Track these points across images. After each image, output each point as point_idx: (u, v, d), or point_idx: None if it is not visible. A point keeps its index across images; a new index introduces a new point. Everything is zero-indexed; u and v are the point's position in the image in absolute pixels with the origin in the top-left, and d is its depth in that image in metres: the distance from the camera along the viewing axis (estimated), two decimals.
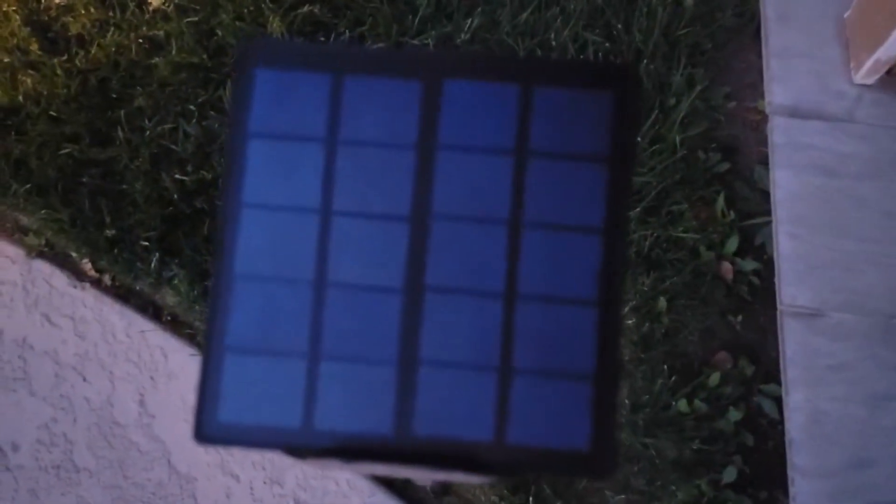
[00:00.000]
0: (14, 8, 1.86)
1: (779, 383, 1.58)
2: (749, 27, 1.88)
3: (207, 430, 0.39)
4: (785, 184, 1.72)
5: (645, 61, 1.80)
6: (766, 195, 1.73)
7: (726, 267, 1.67)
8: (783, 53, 1.84)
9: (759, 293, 1.67)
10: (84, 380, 1.56)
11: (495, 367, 0.39)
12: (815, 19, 1.86)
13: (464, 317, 0.39)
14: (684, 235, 1.63)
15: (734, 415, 1.54)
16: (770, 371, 1.61)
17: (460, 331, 0.39)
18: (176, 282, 1.62)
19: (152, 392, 1.56)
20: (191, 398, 1.53)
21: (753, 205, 1.73)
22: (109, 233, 1.64)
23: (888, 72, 1.77)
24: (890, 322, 1.59)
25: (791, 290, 1.62)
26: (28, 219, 1.70)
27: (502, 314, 0.39)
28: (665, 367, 1.56)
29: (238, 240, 0.40)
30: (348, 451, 0.39)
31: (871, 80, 1.78)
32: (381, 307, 0.39)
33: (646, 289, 1.62)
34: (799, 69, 1.82)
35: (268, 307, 0.40)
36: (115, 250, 1.64)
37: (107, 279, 1.66)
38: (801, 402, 1.52)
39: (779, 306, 1.62)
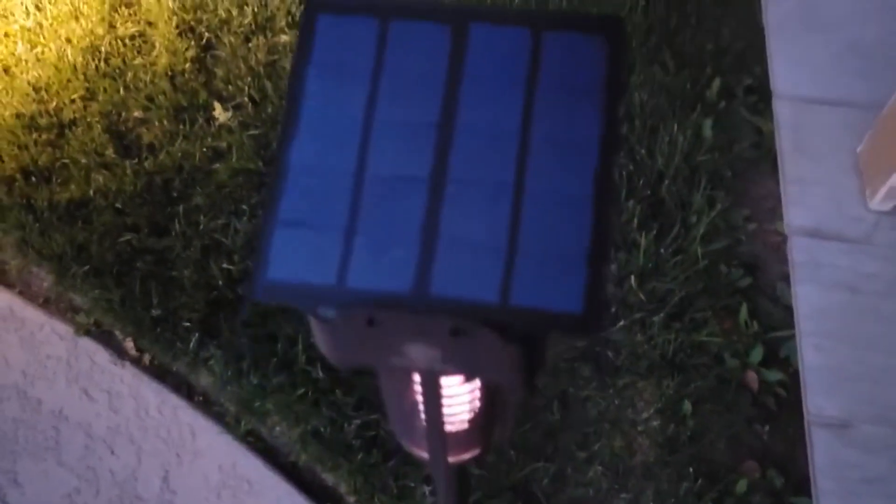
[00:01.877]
0: (97, 119, 2.08)
1: (809, 496, 1.54)
2: (766, 157, 2.00)
3: (260, 289, 0.46)
4: (808, 299, 1.76)
5: (667, 182, 1.92)
6: (789, 310, 1.77)
7: (751, 376, 1.69)
8: (800, 181, 1.94)
9: (785, 405, 1.66)
10: (112, 452, 1.59)
11: (503, 244, 0.45)
12: (829, 151, 1.98)
13: (478, 203, 0.46)
14: (708, 339, 1.66)
15: None
16: (800, 484, 1.57)
17: (475, 214, 0.46)
18: (212, 362, 1.69)
19: (177, 468, 1.57)
20: (215, 477, 1.54)
21: (777, 319, 1.76)
22: (155, 312, 1.73)
23: None
24: None
25: (818, 401, 1.62)
26: (81, 299, 1.80)
27: (511, 203, 0.46)
28: (691, 470, 1.54)
29: (293, 140, 0.49)
30: (374, 304, 0.45)
31: (887, 207, 1.86)
32: (409, 192, 0.47)
33: (671, 392, 1.63)
34: (816, 195, 1.91)
35: (315, 191, 0.48)
36: (158, 329, 1.73)
37: (146, 358, 1.74)
38: None
39: (806, 416, 1.61)
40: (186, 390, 1.69)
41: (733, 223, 1.88)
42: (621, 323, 1.73)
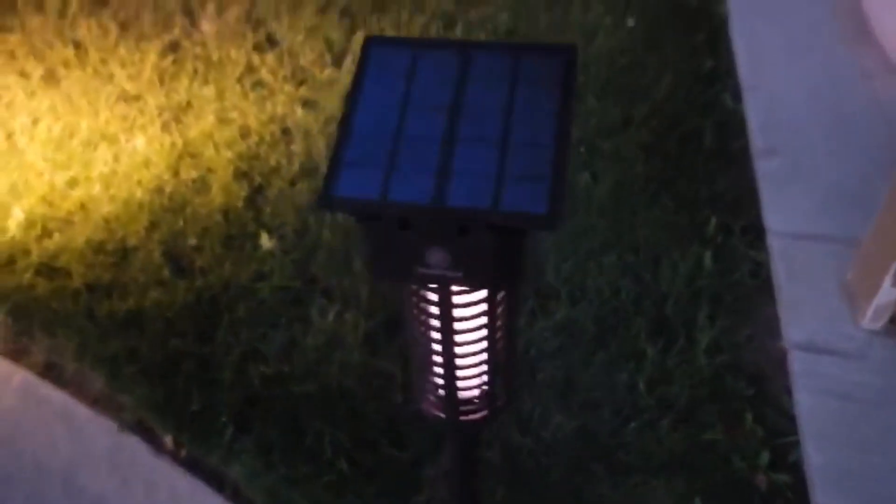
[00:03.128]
0: (157, 245, 2.34)
1: None
2: (764, 284, 2.17)
3: (327, 201, 0.64)
4: (808, 406, 1.85)
5: (671, 302, 2.08)
6: (793, 419, 1.86)
7: (760, 478, 1.74)
8: (795, 304, 2.10)
9: None
10: None
11: (494, 172, 0.64)
12: (819, 278, 2.15)
13: (477, 149, 0.66)
14: (716, 441, 1.74)
15: None
16: None
17: (474, 155, 0.65)
18: (244, 455, 1.79)
19: None
20: None
21: (782, 426, 1.84)
22: (195, 408, 1.87)
23: (891, 320, 1.99)
24: None
25: (825, 498, 1.67)
26: (128, 397, 1.95)
27: (500, 148, 0.66)
28: None
29: (355, 112, 0.70)
30: (405, 210, 0.63)
31: (876, 326, 2.00)
32: (430, 144, 0.67)
33: (681, 490, 1.69)
34: (811, 316, 2.06)
35: (367, 144, 0.67)
36: (196, 423, 1.85)
37: (183, 451, 1.84)
38: None
39: None
40: (218, 482, 1.78)
41: (735, 340, 2.02)
42: (632, 425, 1.82)
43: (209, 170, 2.59)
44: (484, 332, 0.77)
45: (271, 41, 3.22)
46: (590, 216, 2.33)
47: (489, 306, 0.75)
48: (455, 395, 0.81)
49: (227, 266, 2.26)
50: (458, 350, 0.76)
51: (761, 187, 2.46)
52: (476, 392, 0.81)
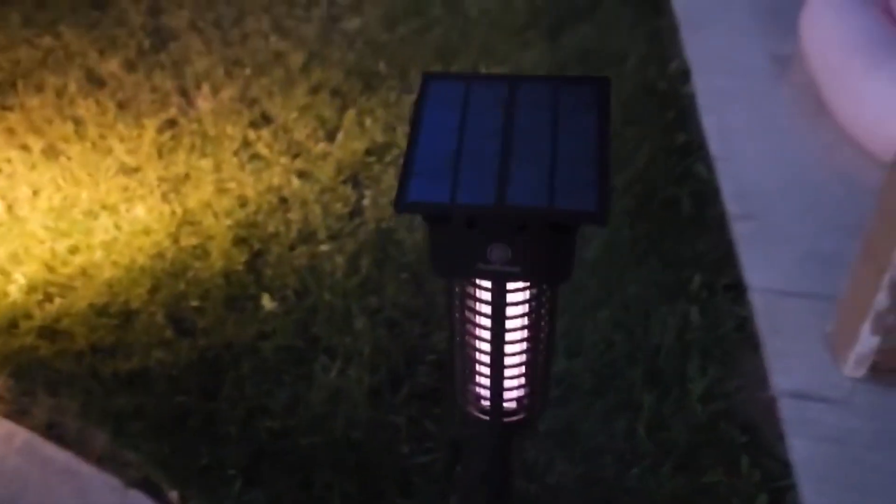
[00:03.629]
0: (159, 307, 2.38)
1: None
2: (749, 338, 2.27)
3: (402, 206, 0.73)
4: (801, 451, 1.93)
5: (663, 354, 2.17)
6: (786, 464, 1.93)
7: None
8: (781, 355, 2.20)
9: None
10: None
11: (547, 177, 0.74)
12: (802, 331, 2.26)
13: (531, 160, 0.76)
14: (715, 481, 1.80)
15: None
16: None
17: (529, 165, 0.75)
18: None
19: None
20: None
21: (777, 470, 1.91)
22: (203, 461, 1.88)
23: (872, 368, 2.10)
24: None
25: None
26: (134, 454, 1.95)
27: (550, 158, 0.76)
28: None
29: (420, 133, 0.79)
30: (472, 210, 0.72)
31: (859, 374, 2.10)
32: (489, 157, 0.76)
33: None
34: (797, 366, 2.16)
35: (434, 159, 0.77)
36: (204, 478, 1.86)
37: None
38: None
39: None
40: None
41: (726, 390, 2.10)
42: (634, 470, 1.87)
43: (209, 237, 2.66)
44: (529, 331, 0.85)
45: (266, 118, 3.35)
46: (582, 276, 2.43)
47: (536, 303, 0.83)
48: (500, 395, 0.87)
49: (230, 326, 2.30)
50: (507, 348, 0.84)
51: (739, 249, 2.60)
52: (519, 392, 0.88)
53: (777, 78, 3.52)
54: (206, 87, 3.55)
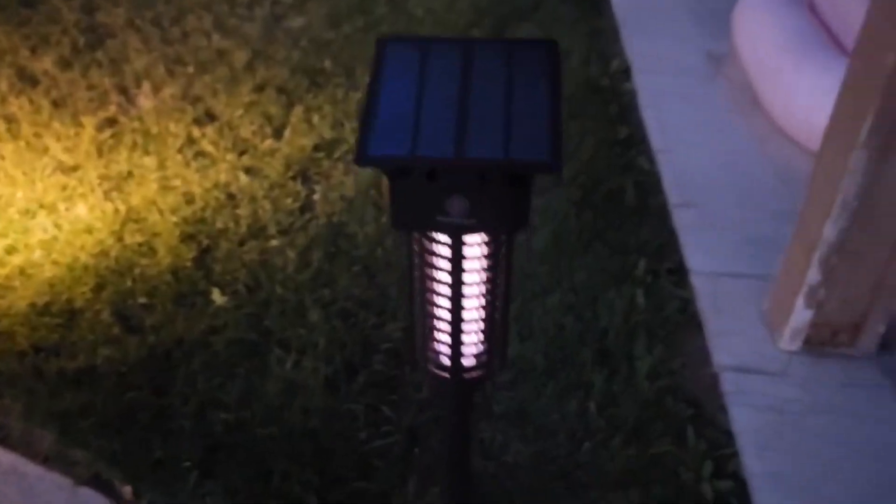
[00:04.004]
0: (105, 305, 2.33)
1: None
2: (692, 319, 2.35)
3: (362, 159, 0.75)
4: (742, 420, 2.01)
5: (611, 336, 2.23)
6: (729, 434, 2.00)
7: (705, 488, 1.86)
8: (720, 333, 2.29)
9: None
10: None
11: (503, 128, 0.77)
12: (741, 309, 2.35)
13: (486, 112, 0.79)
14: (663, 452, 1.86)
15: None
16: None
17: (485, 117, 0.78)
18: (210, 499, 1.78)
19: None
20: None
21: (721, 440, 1.98)
22: (156, 455, 1.85)
23: (806, 341, 2.20)
24: None
25: (764, 498, 1.80)
26: (83, 452, 1.91)
27: (505, 110, 0.79)
28: None
29: (380, 90, 0.82)
30: (433, 162, 0.75)
31: (794, 347, 2.20)
32: (449, 116, 0.79)
33: (636, 500, 1.79)
34: (736, 343, 2.25)
35: (394, 112, 0.79)
36: (157, 472, 1.83)
37: (144, 502, 1.82)
38: None
39: None
40: None
41: (671, 367, 2.17)
42: (586, 445, 1.92)
43: (155, 234, 2.63)
44: (486, 284, 0.88)
45: (210, 116, 3.32)
46: (531, 264, 2.48)
47: (493, 256, 0.87)
48: (459, 350, 0.90)
49: (180, 322, 2.27)
50: (465, 302, 0.86)
51: (681, 235, 2.69)
52: (478, 348, 0.91)
53: (713, 75, 3.65)
54: (146, 86, 3.50)
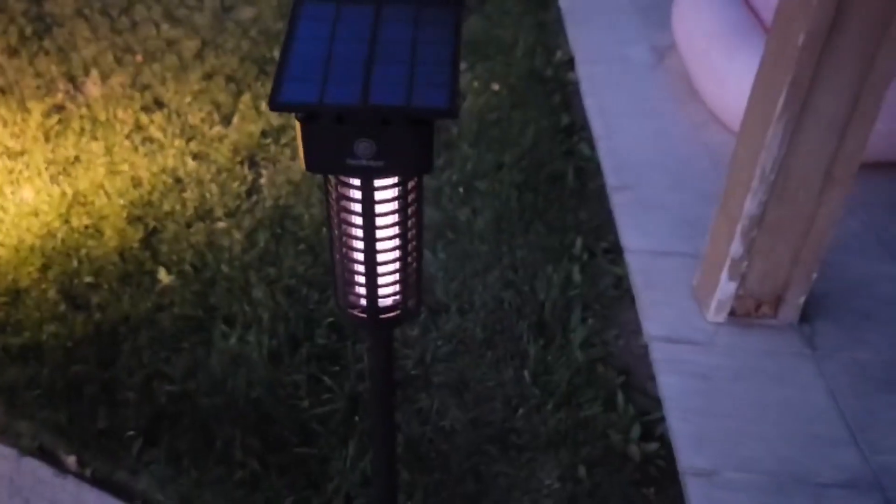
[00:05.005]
0: (51, 284, 2.35)
1: None
2: (625, 294, 2.46)
3: (276, 104, 0.82)
4: (670, 386, 2.12)
5: (548, 309, 2.32)
6: (657, 400, 2.11)
7: (633, 448, 1.97)
8: (652, 305, 2.40)
9: (666, 473, 1.93)
10: None
11: (405, 76, 0.85)
12: (671, 285, 2.47)
13: (392, 60, 0.86)
14: (593, 418, 1.96)
15: None
16: None
17: (390, 65, 0.86)
18: (153, 466, 1.83)
19: None
20: None
21: (649, 406, 2.09)
22: (101, 425, 1.89)
23: (731, 312, 2.32)
24: (774, 479, 1.86)
25: (688, 457, 1.91)
26: (28, 423, 1.94)
27: (409, 58, 0.87)
28: None
29: (294, 39, 0.89)
30: (340, 109, 0.82)
31: (721, 319, 2.32)
32: (356, 60, 0.87)
33: (566, 460, 1.89)
34: (666, 315, 2.36)
35: (305, 62, 0.86)
36: (102, 441, 1.87)
37: (88, 471, 1.85)
38: None
39: (680, 469, 1.89)
40: (128, 494, 1.80)
41: (605, 338, 2.27)
42: (521, 411, 2.01)
43: (102, 217, 2.65)
44: (399, 227, 0.95)
45: (159, 103, 3.34)
46: (473, 243, 2.56)
47: (403, 198, 0.94)
48: (375, 290, 0.97)
49: (126, 300, 2.31)
50: (378, 245, 0.94)
51: (617, 216, 2.80)
52: (394, 288, 0.98)
53: (654, 66, 3.79)
54: (94, 73, 3.50)
